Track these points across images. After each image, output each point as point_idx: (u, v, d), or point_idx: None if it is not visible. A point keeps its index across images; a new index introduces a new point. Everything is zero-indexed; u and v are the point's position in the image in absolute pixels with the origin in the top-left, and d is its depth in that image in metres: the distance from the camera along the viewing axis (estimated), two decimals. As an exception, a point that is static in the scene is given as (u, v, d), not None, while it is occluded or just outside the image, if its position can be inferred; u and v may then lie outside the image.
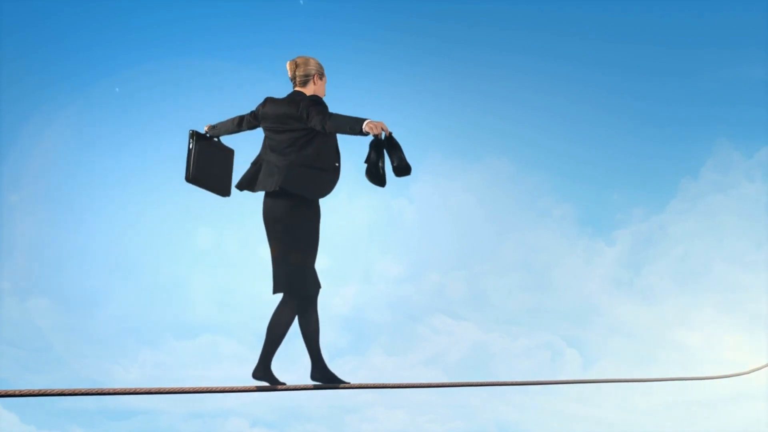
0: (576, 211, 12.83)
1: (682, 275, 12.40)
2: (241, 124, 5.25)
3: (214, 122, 5.35)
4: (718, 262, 12.34)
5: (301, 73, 5.11)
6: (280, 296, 5.04)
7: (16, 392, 4.01)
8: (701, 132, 12.81)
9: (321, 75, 5.14)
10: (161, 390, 4.51)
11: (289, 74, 5.16)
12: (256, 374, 4.98)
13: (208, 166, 5.19)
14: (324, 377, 5.07)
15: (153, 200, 11.87)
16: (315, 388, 5.09)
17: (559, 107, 13.04)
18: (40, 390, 4.05)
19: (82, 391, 4.23)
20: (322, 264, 5.10)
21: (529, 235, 12.96)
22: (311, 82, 5.12)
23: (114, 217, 11.97)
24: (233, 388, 4.91)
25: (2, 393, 3.94)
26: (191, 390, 4.69)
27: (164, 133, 11.98)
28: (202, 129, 5.35)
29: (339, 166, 5.03)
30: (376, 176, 4.82)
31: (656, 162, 13.01)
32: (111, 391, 4.39)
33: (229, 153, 5.35)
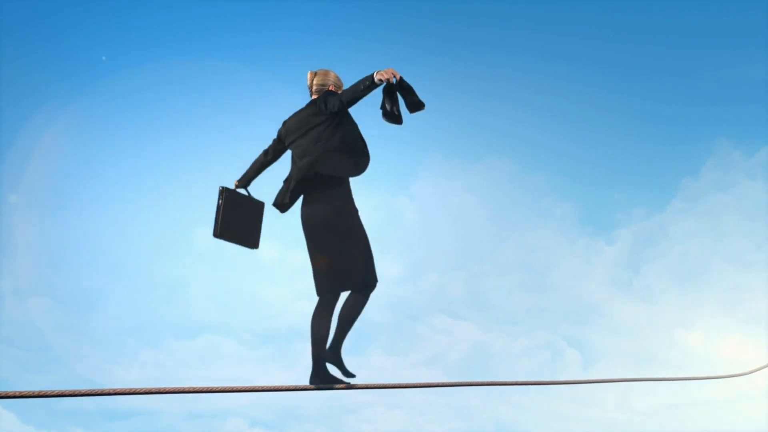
0: (577, 210, 12.84)
1: (683, 274, 12.41)
2: (266, 154, 5.35)
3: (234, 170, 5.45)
4: (718, 262, 12.35)
5: (319, 82, 5.22)
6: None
7: (16, 393, 4.00)
8: (701, 132, 12.82)
9: (338, 88, 5.23)
10: (161, 390, 4.51)
11: (308, 82, 5.27)
12: (327, 357, 5.07)
13: (236, 220, 5.27)
14: (324, 380, 5.07)
15: (153, 200, 11.88)
16: (316, 388, 5.08)
17: (560, 107, 13.06)
18: (40, 391, 4.05)
19: (82, 392, 4.22)
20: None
21: (529, 234, 12.98)
22: None
23: (114, 217, 11.98)
24: (234, 387, 4.90)
25: (2, 394, 3.93)
26: (190, 390, 4.69)
27: (164, 133, 11.99)
28: (232, 184, 5.39)
29: (367, 151, 5.12)
30: (391, 116, 4.99)
31: (657, 162, 13.03)
32: (110, 391, 4.39)
33: (259, 206, 5.40)
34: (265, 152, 5.36)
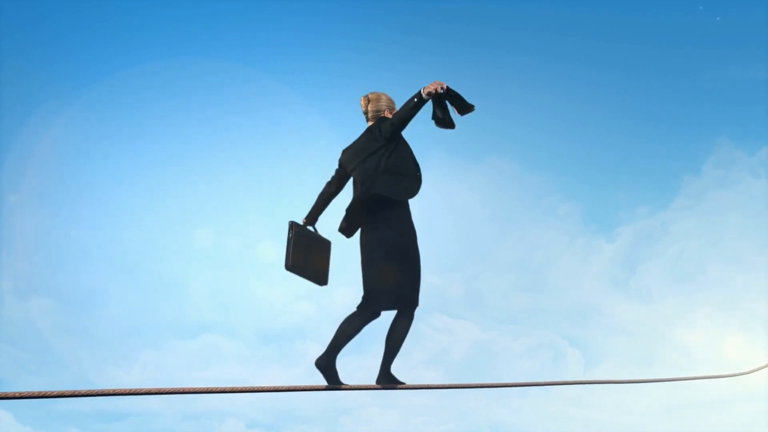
0: (580, 210, 12.85)
1: (684, 273, 12.41)
2: (331, 185, 5.41)
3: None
4: (719, 261, 12.35)
5: (373, 109, 5.31)
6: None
7: (16, 394, 4.01)
8: (702, 132, 12.84)
9: (391, 110, 5.32)
10: (159, 390, 4.50)
11: (362, 109, 5.36)
12: (380, 382, 5.21)
13: (305, 255, 5.30)
14: (331, 373, 5.11)
15: (153, 200, 11.89)
16: (311, 389, 5.09)
17: (562, 107, 13.07)
18: (39, 392, 4.05)
19: (81, 392, 4.22)
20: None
21: (532, 234, 12.99)
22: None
23: (114, 217, 11.99)
24: (231, 388, 4.91)
25: (1, 395, 3.94)
26: (188, 390, 4.69)
27: (164, 133, 12.00)
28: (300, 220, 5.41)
29: (420, 175, 5.21)
30: (444, 123, 5.19)
31: (658, 161, 13.04)
32: (109, 392, 4.39)
33: (326, 244, 5.43)
34: (329, 184, 5.42)
